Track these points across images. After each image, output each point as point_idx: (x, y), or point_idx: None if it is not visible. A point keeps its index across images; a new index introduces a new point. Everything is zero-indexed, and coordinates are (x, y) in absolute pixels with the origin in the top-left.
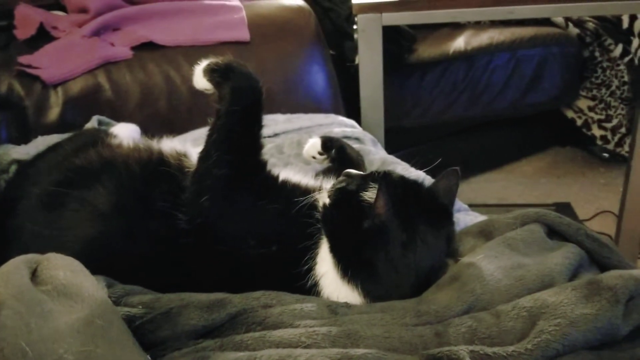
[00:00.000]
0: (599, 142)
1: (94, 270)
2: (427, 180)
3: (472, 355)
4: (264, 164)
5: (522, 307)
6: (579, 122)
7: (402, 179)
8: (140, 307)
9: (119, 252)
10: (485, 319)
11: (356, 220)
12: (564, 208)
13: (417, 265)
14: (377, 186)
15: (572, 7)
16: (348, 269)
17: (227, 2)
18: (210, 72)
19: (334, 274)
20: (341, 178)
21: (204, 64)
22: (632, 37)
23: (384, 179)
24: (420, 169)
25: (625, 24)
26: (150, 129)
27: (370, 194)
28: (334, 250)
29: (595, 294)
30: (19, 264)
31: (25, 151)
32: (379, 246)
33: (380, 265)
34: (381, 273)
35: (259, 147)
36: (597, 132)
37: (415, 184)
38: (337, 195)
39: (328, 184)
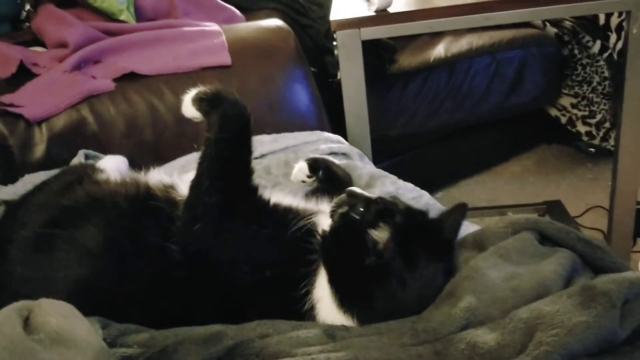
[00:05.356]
0: (585, 138)
1: (88, 311)
2: (434, 205)
3: None
4: (255, 188)
5: (519, 319)
6: (564, 120)
7: (408, 211)
8: (136, 346)
9: (112, 291)
10: (483, 333)
11: (358, 254)
12: (555, 206)
13: (416, 298)
14: (386, 227)
15: (547, 10)
16: (345, 300)
17: (206, 28)
18: (198, 101)
19: (331, 302)
20: (343, 198)
21: (192, 93)
22: (609, 33)
23: (394, 219)
24: (409, 179)
25: (602, 20)
26: (137, 158)
27: (378, 234)
28: (332, 281)
29: (591, 300)
30: (10, 313)
31: (12, 191)
32: (380, 282)
33: (378, 299)
34: (379, 306)
35: (249, 172)
36: (581, 128)
37: (420, 216)
38: (340, 222)
39: (322, 205)
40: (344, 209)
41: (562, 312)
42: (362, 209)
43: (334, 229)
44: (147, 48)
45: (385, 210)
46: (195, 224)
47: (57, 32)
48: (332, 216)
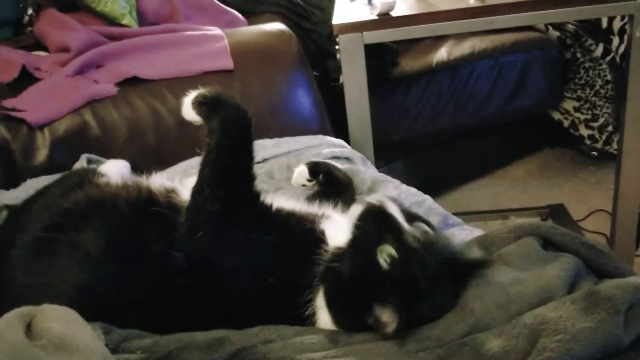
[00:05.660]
0: (587, 142)
1: (91, 316)
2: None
3: None
4: (257, 195)
5: (523, 325)
6: (566, 124)
7: (438, 255)
8: (139, 352)
9: (115, 296)
10: (487, 339)
11: (361, 307)
12: (558, 209)
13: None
14: (394, 313)
15: (549, 13)
16: (344, 327)
17: (209, 32)
18: (198, 105)
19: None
20: (372, 215)
21: (192, 95)
22: (611, 36)
23: (405, 308)
24: (411, 183)
25: (604, 23)
26: (140, 163)
27: (383, 314)
28: (331, 308)
29: (595, 306)
30: (12, 319)
31: (14, 196)
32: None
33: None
34: None
35: (251, 178)
36: (584, 131)
37: (445, 249)
38: (359, 266)
39: (325, 208)
40: (370, 245)
41: (566, 317)
42: (391, 255)
43: (349, 275)
44: (149, 52)
45: (410, 279)
46: (198, 231)
47: (59, 37)
48: (355, 229)
